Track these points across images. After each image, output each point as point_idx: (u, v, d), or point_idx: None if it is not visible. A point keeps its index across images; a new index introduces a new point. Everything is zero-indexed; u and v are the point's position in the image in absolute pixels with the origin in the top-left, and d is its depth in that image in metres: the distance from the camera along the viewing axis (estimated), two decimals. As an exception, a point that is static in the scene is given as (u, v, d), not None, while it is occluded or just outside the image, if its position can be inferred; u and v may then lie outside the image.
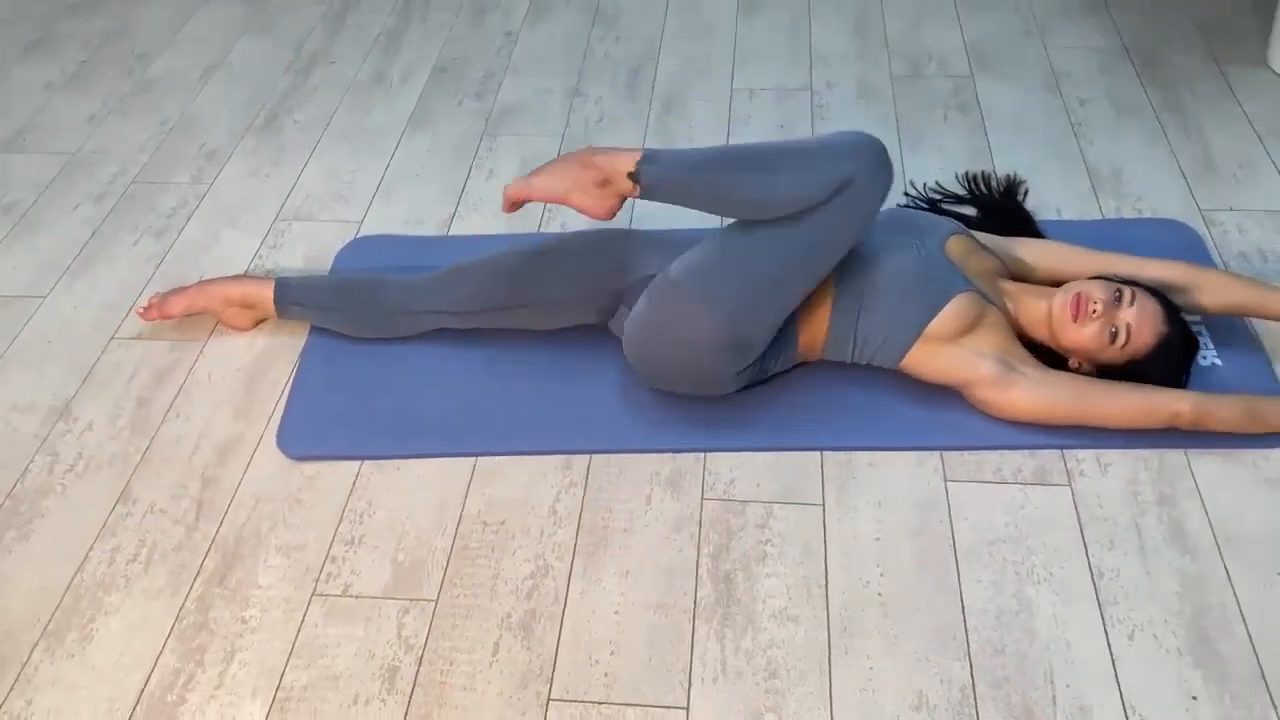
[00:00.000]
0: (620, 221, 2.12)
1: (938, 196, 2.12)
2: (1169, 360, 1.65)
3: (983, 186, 2.12)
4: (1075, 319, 1.64)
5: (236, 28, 2.84)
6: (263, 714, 1.40)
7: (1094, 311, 1.62)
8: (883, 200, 1.57)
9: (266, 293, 1.86)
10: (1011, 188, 2.12)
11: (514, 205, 1.65)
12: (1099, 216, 2.07)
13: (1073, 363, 1.69)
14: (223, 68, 2.69)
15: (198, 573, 1.57)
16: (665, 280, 1.63)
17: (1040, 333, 1.71)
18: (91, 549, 1.61)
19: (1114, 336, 1.62)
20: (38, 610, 1.53)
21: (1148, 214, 2.07)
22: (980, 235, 1.82)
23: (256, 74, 2.66)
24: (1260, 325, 1.82)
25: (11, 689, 1.44)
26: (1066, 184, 2.16)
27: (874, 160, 1.53)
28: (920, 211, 1.80)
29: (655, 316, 1.63)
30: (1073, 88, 2.42)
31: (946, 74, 2.49)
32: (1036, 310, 1.71)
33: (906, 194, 2.14)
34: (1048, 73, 2.47)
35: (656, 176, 1.56)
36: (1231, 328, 1.81)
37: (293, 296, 1.86)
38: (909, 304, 1.64)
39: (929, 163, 2.23)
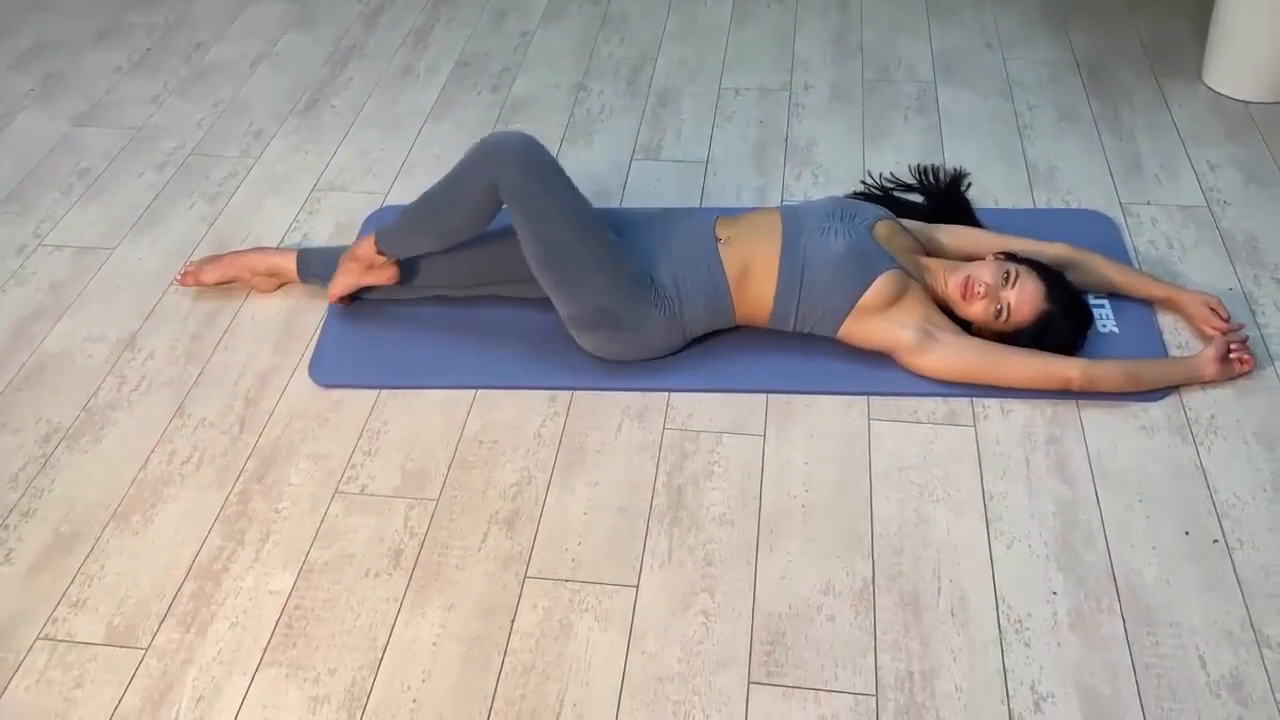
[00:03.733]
0: (610, 199, 2.43)
1: (890, 185, 2.41)
2: (1053, 330, 1.92)
3: (931, 177, 2.42)
4: (964, 298, 1.93)
5: (283, 22, 3.18)
6: (291, 581, 1.72)
7: (979, 292, 1.91)
8: (533, 157, 1.88)
9: (289, 263, 2.17)
10: (956, 179, 2.42)
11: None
12: (1030, 206, 2.36)
13: (974, 329, 1.97)
14: (270, 57, 3.02)
15: (240, 473, 1.89)
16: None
17: (950, 303, 2.00)
18: (153, 452, 1.93)
19: (998, 313, 1.91)
20: (109, 497, 1.86)
21: (1074, 205, 2.35)
22: (905, 220, 2.10)
23: (299, 63, 2.99)
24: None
25: (88, 556, 1.77)
26: (1007, 178, 2.44)
27: (497, 156, 1.86)
28: (853, 200, 2.08)
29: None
30: (1023, 95, 2.70)
31: (912, 79, 2.78)
32: (945, 283, 1.99)
33: (864, 182, 2.43)
34: (1003, 81, 2.76)
35: (389, 243, 2.00)
36: (1131, 303, 2.09)
37: (313, 267, 2.17)
38: (841, 282, 1.92)
39: (887, 157, 2.52)
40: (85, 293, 2.28)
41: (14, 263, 2.36)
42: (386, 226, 2.03)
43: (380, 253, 2.02)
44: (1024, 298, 1.90)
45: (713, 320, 1.97)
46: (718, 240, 1.97)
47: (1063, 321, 1.93)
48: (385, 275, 2.07)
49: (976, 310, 1.93)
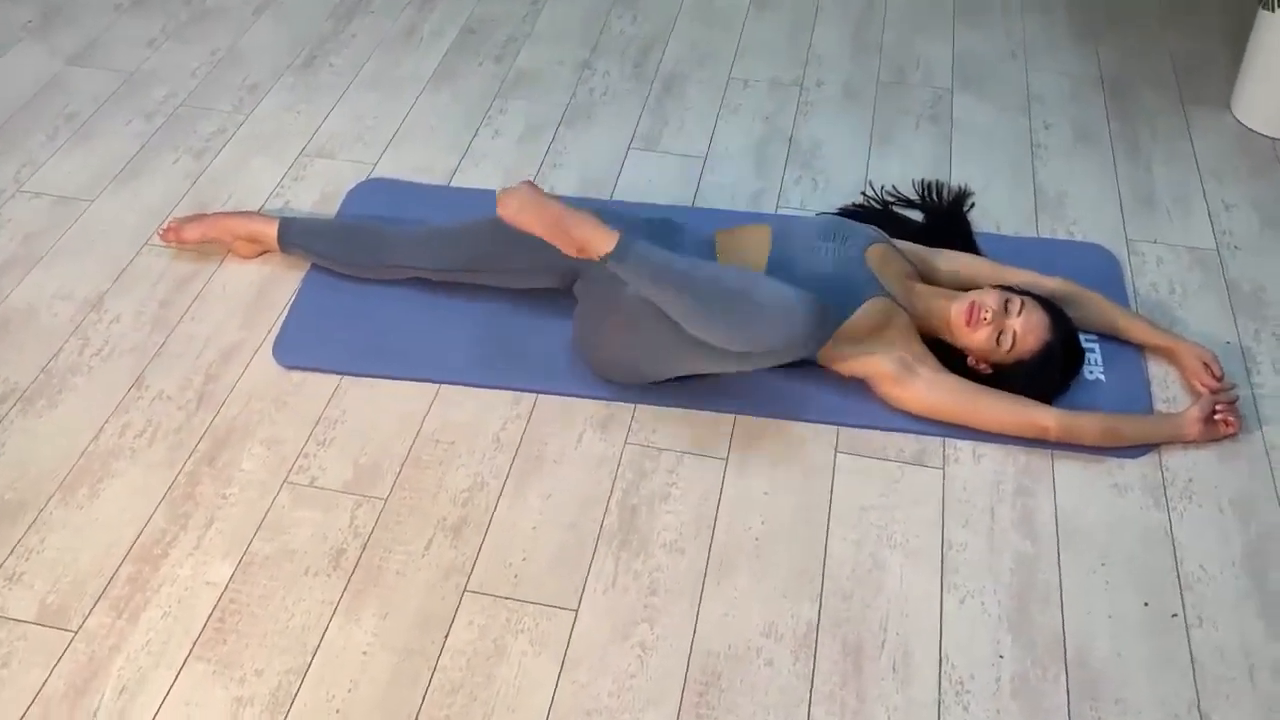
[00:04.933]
0: (601, 191, 2.36)
1: (891, 199, 2.33)
2: (1051, 365, 1.86)
3: (933, 195, 2.34)
4: (969, 324, 1.86)
5: (291, -31, 3.09)
6: (229, 572, 1.69)
7: (985, 318, 1.85)
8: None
9: (271, 231, 2.12)
10: (960, 199, 2.34)
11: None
12: (1034, 235, 2.28)
13: (970, 360, 1.91)
14: (273, 6, 2.94)
15: (192, 452, 1.86)
16: (617, 298, 1.84)
17: (944, 332, 1.94)
18: (107, 422, 1.90)
19: (1001, 340, 1.84)
20: (57, 468, 1.83)
21: (1079, 238, 2.27)
22: (899, 243, 2.03)
23: (303, 15, 2.91)
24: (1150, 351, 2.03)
25: (30, 527, 1.75)
26: (1013, 201, 2.36)
27: (805, 342, 1.70)
28: (848, 220, 2.00)
29: (599, 319, 1.88)
30: (1042, 111, 2.60)
31: (929, 85, 2.68)
32: (942, 311, 1.93)
33: (864, 193, 2.35)
34: (1023, 94, 2.65)
35: (628, 268, 1.74)
36: (1122, 350, 2.02)
37: (293, 238, 2.12)
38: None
39: (891, 166, 2.44)
40: (59, 246, 2.23)
41: (-9, 207, 2.32)
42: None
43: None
44: (1030, 327, 1.84)
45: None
46: (717, 256, 1.90)
47: (1060, 358, 1.87)
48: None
49: (980, 338, 1.86)
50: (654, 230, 1.94)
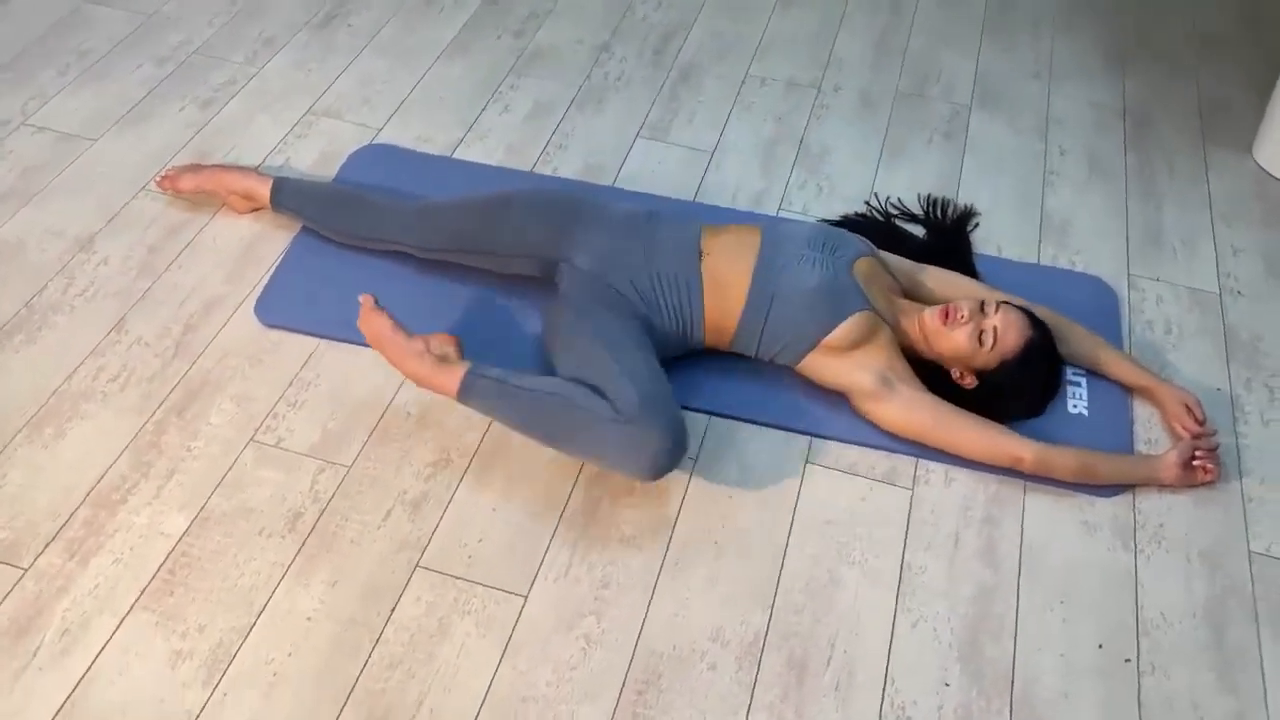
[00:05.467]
0: (603, 177, 2.34)
1: (895, 212, 2.30)
2: (1036, 365, 1.84)
3: (938, 212, 2.31)
4: (946, 323, 1.84)
5: (321, -75, 3.07)
6: (184, 526, 1.69)
7: (962, 317, 1.83)
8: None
9: (265, 189, 2.11)
10: (964, 218, 2.30)
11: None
12: (1034, 261, 2.24)
13: (955, 373, 1.88)
14: (299, -39, 2.92)
15: (162, 401, 1.85)
16: (558, 310, 1.86)
17: (923, 345, 1.91)
18: (82, 364, 1.90)
19: (983, 338, 1.82)
20: (26, 404, 1.83)
21: (1079, 268, 2.23)
22: (887, 257, 2.00)
23: (327, -27, 2.89)
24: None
25: (-8, 461, 1.75)
26: (1018, 225, 2.32)
27: (654, 469, 1.65)
28: (840, 230, 1.98)
29: (549, 321, 1.88)
30: (1059, 136, 2.56)
31: (948, 99, 2.64)
32: (920, 323, 1.90)
33: (867, 203, 2.32)
34: (1042, 118, 2.61)
35: (473, 392, 1.72)
36: (1109, 388, 1.98)
37: (286, 199, 2.11)
38: (811, 316, 1.83)
39: (899, 179, 2.41)
40: (56, 183, 2.23)
41: (-6, 137, 2.32)
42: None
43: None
44: (1009, 324, 1.83)
45: (684, 344, 1.90)
46: (701, 255, 1.87)
47: (1043, 358, 1.85)
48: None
49: (959, 337, 1.83)
50: (635, 224, 1.92)
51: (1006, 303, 1.87)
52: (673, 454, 1.66)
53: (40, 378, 1.87)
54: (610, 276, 1.86)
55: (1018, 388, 1.86)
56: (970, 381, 1.87)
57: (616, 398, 1.66)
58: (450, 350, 1.77)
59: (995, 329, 1.82)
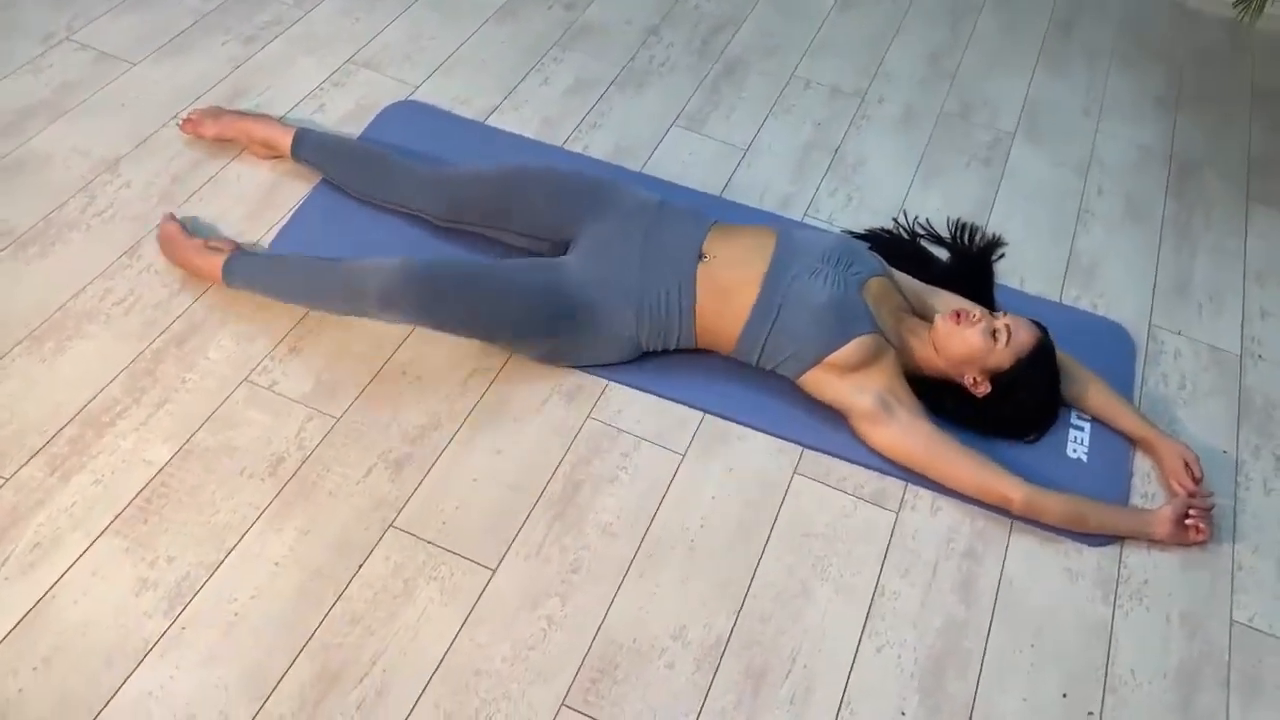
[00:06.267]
0: (633, 161, 2.32)
1: (921, 232, 2.27)
2: (1047, 367, 1.86)
3: (965, 237, 2.27)
4: (959, 323, 1.83)
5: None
6: (167, 456, 1.70)
7: (974, 318, 1.84)
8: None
9: (286, 140, 2.11)
10: (990, 247, 2.26)
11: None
12: (1056, 299, 2.20)
13: (968, 379, 1.85)
14: (362, -91, 2.91)
15: (164, 330, 1.86)
16: None
17: (936, 365, 1.88)
18: (91, 283, 1.91)
19: (996, 335, 1.82)
20: (30, 317, 1.84)
21: (1101, 312, 2.19)
22: (901, 278, 1.97)
23: (388, -76, 2.88)
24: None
25: (-11, 369, 1.76)
26: (1045, 261, 2.28)
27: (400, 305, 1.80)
28: (858, 246, 1.95)
29: None
30: (1099, 175, 2.51)
31: (991, 126, 2.60)
32: (928, 341, 1.88)
33: (895, 220, 2.29)
34: (1085, 154, 2.56)
35: (234, 268, 1.89)
36: (1112, 437, 1.95)
37: (306, 152, 2.11)
38: (816, 332, 1.81)
39: (932, 200, 2.37)
40: (90, 101, 2.24)
41: (36, 49, 2.33)
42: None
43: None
44: (1019, 323, 1.86)
45: (670, 341, 1.88)
46: (701, 258, 1.86)
47: (1053, 361, 1.87)
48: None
49: (973, 336, 1.82)
50: (644, 211, 1.91)
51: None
52: (392, 306, 1.79)
53: (48, 292, 1.88)
54: (603, 256, 1.85)
55: (1031, 386, 1.86)
56: (984, 388, 1.85)
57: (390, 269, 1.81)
58: (225, 246, 1.92)
59: (1008, 326, 1.84)
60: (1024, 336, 1.84)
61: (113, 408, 1.74)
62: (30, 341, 1.81)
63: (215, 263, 1.89)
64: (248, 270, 1.88)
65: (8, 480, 1.63)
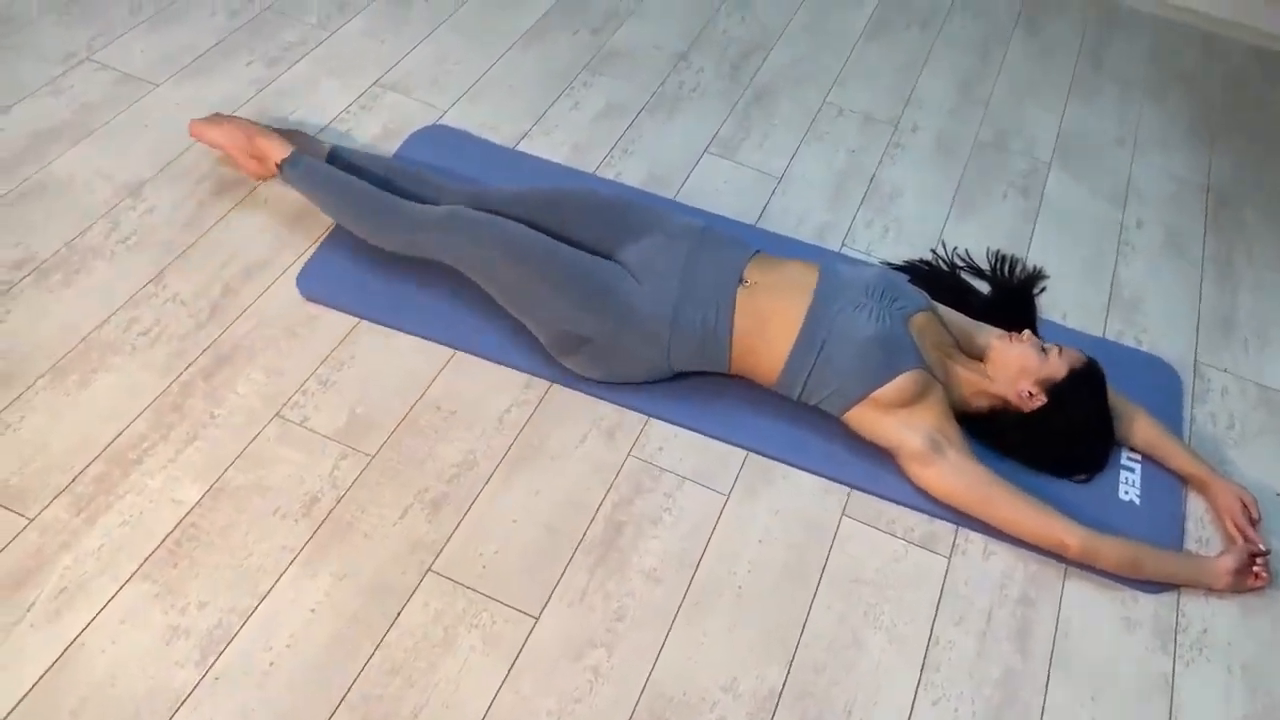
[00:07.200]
0: (666, 188, 2.27)
1: (961, 264, 2.23)
2: (1099, 391, 1.84)
3: (1005, 269, 2.23)
4: (1011, 341, 1.83)
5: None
6: (198, 495, 1.64)
7: (1025, 336, 1.84)
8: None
9: (278, 157, 1.98)
10: (1031, 279, 2.22)
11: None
12: (1099, 334, 2.16)
13: (1022, 392, 1.80)
14: (385, -71, 2.87)
15: (191, 363, 1.80)
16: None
17: (981, 401, 1.83)
18: (115, 313, 1.85)
19: (1046, 349, 1.83)
20: (55, 347, 1.78)
21: (1145, 348, 2.15)
22: (944, 312, 1.92)
23: (412, -56, 2.83)
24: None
25: (11, 403, 1.70)
26: (1086, 293, 2.24)
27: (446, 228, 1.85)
28: (901, 279, 1.90)
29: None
30: (1138, 206, 2.47)
31: (1027, 155, 2.56)
32: (978, 374, 1.83)
33: (933, 251, 2.25)
34: (1122, 185, 2.52)
35: (296, 177, 1.93)
36: (1164, 478, 1.90)
37: (295, 177, 1.96)
38: (862, 367, 1.76)
39: (970, 231, 2.33)
40: (113, 123, 2.19)
41: (56, 69, 2.28)
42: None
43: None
44: (1067, 347, 1.86)
45: (703, 362, 1.83)
46: (742, 283, 1.81)
47: (1103, 387, 1.84)
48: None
49: (1025, 349, 1.82)
50: (688, 233, 1.87)
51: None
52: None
53: (71, 322, 1.83)
54: (645, 269, 1.81)
55: (1082, 402, 1.82)
56: (1038, 400, 1.80)
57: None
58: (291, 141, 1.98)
59: (1059, 346, 1.85)
60: (1075, 353, 1.85)
61: (139, 444, 1.68)
62: (53, 374, 1.75)
63: (277, 146, 1.93)
64: (311, 173, 1.93)
65: (31, 521, 1.57)
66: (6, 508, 1.58)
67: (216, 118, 2.07)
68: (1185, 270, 2.34)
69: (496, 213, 1.92)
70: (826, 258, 2.10)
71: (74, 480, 1.62)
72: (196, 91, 2.29)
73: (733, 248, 1.87)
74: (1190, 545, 1.83)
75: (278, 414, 1.76)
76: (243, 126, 2.04)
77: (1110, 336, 2.16)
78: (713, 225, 1.94)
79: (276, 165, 1.98)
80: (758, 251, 1.89)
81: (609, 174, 2.29)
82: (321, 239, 2.03)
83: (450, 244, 1.85)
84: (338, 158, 2.06)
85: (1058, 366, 1.81)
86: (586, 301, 1.78)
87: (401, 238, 1.90)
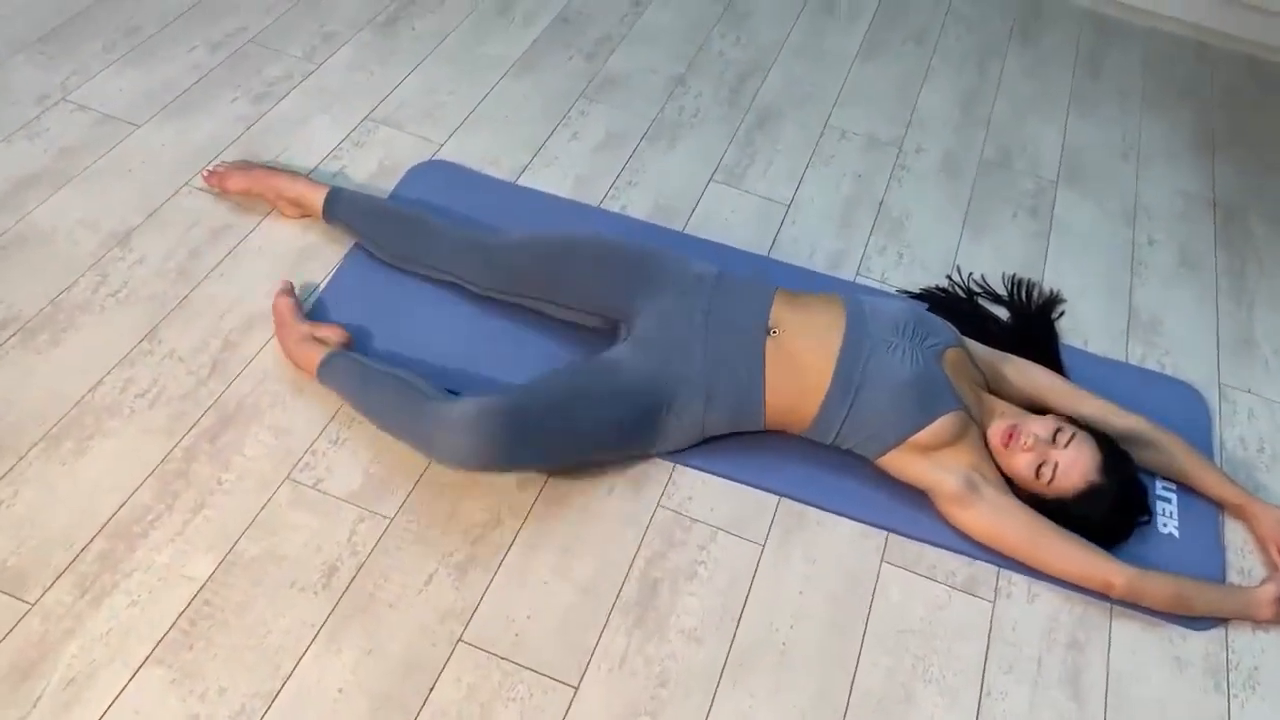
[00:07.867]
0: (674, 220, 2.20)
1: (978, 290, 2.18)
2: (1098, 510, 1.70)
3: (1023, 295, 2.18)
4: (1005, 446, 1.71)
5: (390, -82, 2.93)
6: (210, 569, 1.54)
7: (1025, 445, 1.70)
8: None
9: (318, 198, 1.97)
10: (1049, 304, 2.18)
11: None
12: (1122, 359, 2.12)
13: (1013, 486, 1.74)
14: (365, -46, 2.78)
15: (194, 425, 1.71)
16: None
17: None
18: (109, 374, 1.75)
19: (1041, 471, 1.69)
20: (46, 414, 1.68)
21: (1169, 371, 2.11)
22: (973, 346, 1.87)
23: (394, -30, 2.75)
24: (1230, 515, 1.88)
25: (3, 477, 1.60)
26: (1105, 317, 2.20)
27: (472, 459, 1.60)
28: (929, 314, 1.84)
29: None
30: (1148, 224, 2.44)
31: (1033, 174, 2.52)
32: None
33: (949, 278, 2.20)
34: (1130, 202, 2.49)
35: (330, 368, 1.74)
36: (1201, 506, 1.86)
37: (340, 211, 1.97)
38: (898, 411, 1.70)
39: (982, 255, 2.28)
40: (94, 168, 2.08)
41: (31, 111, 2.17)
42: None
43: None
44: (1075, 461, 1.68)
45: (738, 424, 1.76)
46: (769, 333, 1.74)
47: (1112, 504, 1.71)
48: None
49: (1018, 463, 1.71)
50: (702, 288, 1.79)
51: (1087, 431, 1.73)
52: (466, 463, 1.60)
53: (63, 385, 1.72)
54: (664, 345, 1.73)
55: (1078, 521, 1.71)
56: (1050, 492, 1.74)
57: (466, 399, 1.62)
58: (333, 338, 1.77)
59: (1057, 465, 1.69)
60: (1074, 479, 1.68)
61: (144, 516, 1.58)
62: (46, 443, 1.65)
63: (313, 358, 1.75)
64: (339, 376, 1.73)
65: (33, 606, 1.47)
66: (6, 592, 1.47)
67: (238, 167, 2.05)
68: (1200, 287, 2.31)
69: (502, 263, 1.86)
70: (847, 289, 2.04)
71: (76, 559, 1.52)
72: (181, 131, 2.19)
73: (752, 293, 1.79)
74: (1233, 577, 1.79)
75: (289, 477, 1.66)
76: (269, 174, 2.02)
77: (1133, 360, 2.12)
78: (727, 269, 1.86)
79: (323, 210, 1.99)
80: (778, 288, 1.82)
81: (615, 207, 2.22)
82: (323, 285, 1.94)
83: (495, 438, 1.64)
84: (337, 201, 1.97)
85: (1044, 493, 1.70)
86: (629, 438, 1.72)
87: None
